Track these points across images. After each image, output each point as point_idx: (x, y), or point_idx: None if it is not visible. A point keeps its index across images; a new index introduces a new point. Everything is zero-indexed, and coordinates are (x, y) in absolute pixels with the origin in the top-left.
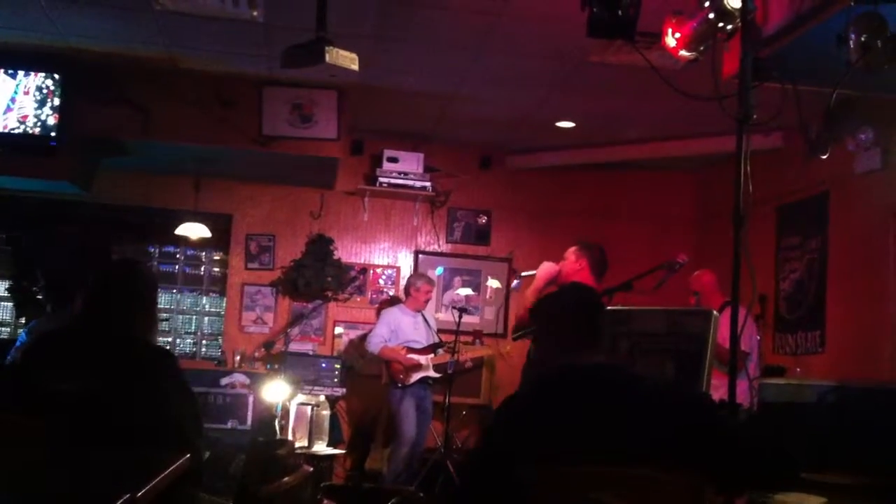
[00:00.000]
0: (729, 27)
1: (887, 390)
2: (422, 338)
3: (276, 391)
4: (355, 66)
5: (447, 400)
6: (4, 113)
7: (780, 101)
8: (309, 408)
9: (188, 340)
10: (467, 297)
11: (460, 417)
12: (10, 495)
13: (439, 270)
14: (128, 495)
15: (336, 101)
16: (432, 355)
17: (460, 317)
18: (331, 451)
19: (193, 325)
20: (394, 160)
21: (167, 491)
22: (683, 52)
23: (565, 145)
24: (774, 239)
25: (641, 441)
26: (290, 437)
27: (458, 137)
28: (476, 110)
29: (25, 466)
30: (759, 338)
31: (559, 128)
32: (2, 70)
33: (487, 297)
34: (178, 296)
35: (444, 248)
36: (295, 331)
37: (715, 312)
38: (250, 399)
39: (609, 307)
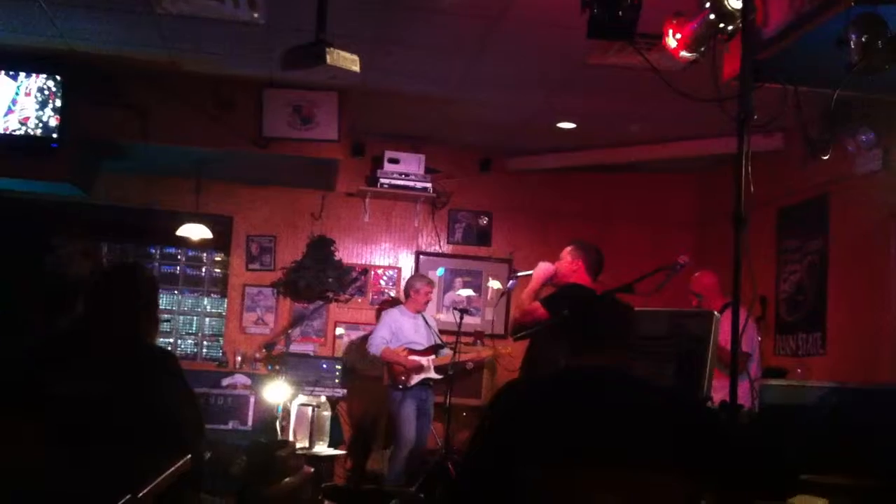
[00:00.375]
0: (729, 28)
1: (888, 392)
2: (423, 339)
3: (277, 392)
4: (356, 68)
5: (448, 401)
6: (6, 114)
7: (781, 102)
8: (310, 409)
9: (189, 341)
10: (468, 298)
11: (461, 419)
12: (11, 495)
13: (440, 271)
14: (129, 496)
15: (336, 103)
16: (433, 357)
17: (461, 318)
18: (331, 452)
19: (194, 326)
20: (394, 161)
21: (168, 491)
22: (684, 54)
23: (566, 147)
24: (775, 240)
25: (641, 446)
26: (290, 438)
27: (458, 139)
28: (477, 112)
29: (26, 467)
30: (759, 339)
31: (560, 129)
32: (3, 71)
33: (488, 298)
34: (179, 297)
35: (445, 249)
36: (296, 332)
37: (716, 314)
38: (251, 400)
39: None
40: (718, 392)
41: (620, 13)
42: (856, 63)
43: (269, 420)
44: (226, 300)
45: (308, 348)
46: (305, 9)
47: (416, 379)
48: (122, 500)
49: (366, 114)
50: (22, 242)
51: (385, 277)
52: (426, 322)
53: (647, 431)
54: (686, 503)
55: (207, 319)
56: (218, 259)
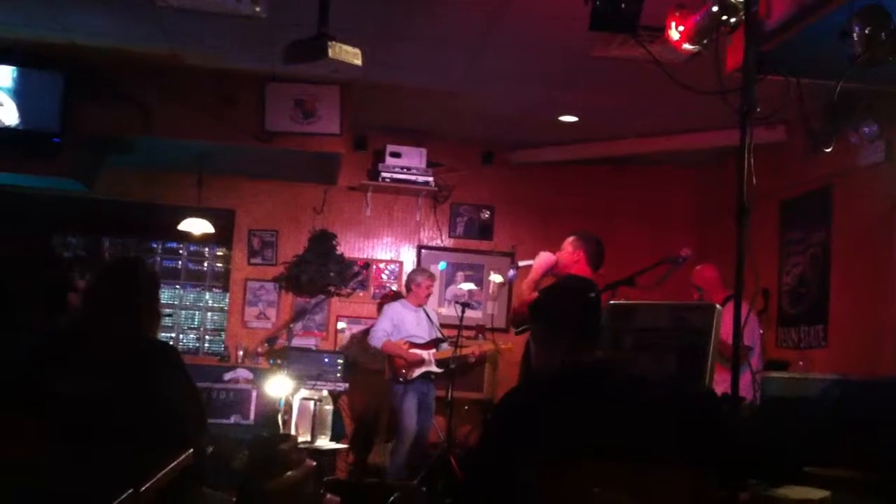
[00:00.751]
0: (732, 20)
1: (890, 384)
2: (424, 333)
3: (279, 386)
4: (358, 61)
5: (450, 395)
6: (8, 110)
7: (784, 94)
8: (312, 403)
9: (191, 336)
10: (470, 291)
11: (463, 412)
12: (13, 491)
13: (442, 265)
14: (131, 490)
15: (338, 97)
16: (434, 350)
17: (463, 311)
18: (333, 445)
19: (196, 320)
20: (396, 155)
21: (171, 486)
22: (686, 46)
23: (568, 140)
24: (777, 233)
25: (642, 439)
26: (292, 432)
27: (460, 133)
28: (479, 105)
29: (28, 463)
30: (761, 332)
31: (562, 123)
32: (5, 66)
33: (490, 291)
34: (181, 291)
35: (447, 243)
36: (298, 326)
37: (718, 307)
38: (253, 394)
39: (613, 302)
40: (720, 385)
41: (623, 6)
42: (859, 55)
43: (271, 414)
44: (228, 295)
45: (310, 342)
46: (307, 3)
47: (417, 372)
48: (125, 495)
49: (368, 107)
50: (23, 238)
51: (387, 271)
52: (427, 316)
53: (648, 425)
54: (689, 496)
55: (209, 314)
56: (220, 253)
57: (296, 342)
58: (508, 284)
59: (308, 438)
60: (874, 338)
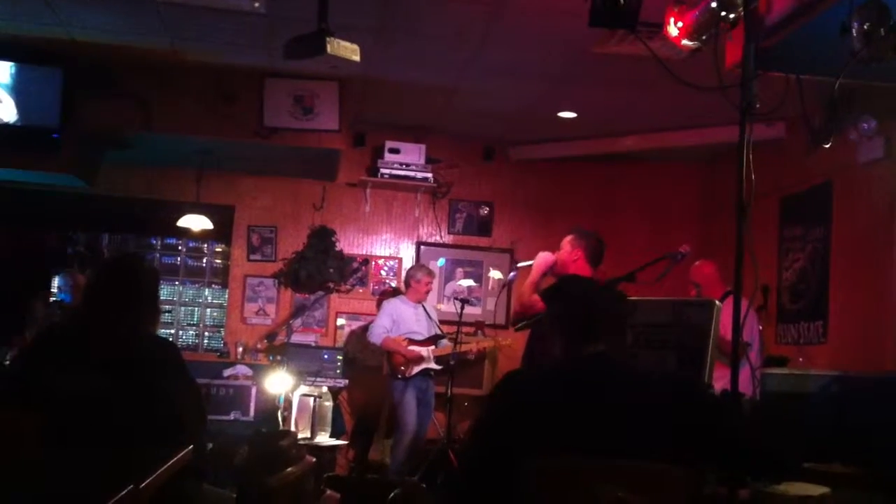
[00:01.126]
0: (731, 16)
1: (889, 380)
2: (423, 329)
3: (278, 383)
4: (356, 58)
5: (449, 391)
6: (6, 106)
7: (783, 90)
8: (311, 399)
9: (191, 332)
10: (469, 288)
11: (462, 408)
12: (13, 489)
13: (441, 262)
14: (132, 486)
15: (337, 93)
16: (433, 347)
17: (462, 308)
18: (333, 442)
19: (196, 316)
20: (395, 151)
21: (171, 482)
22: (686, 42)
23: (567, 136)
24: (777, 229)
25: (642, 434)
26: (292, 429)
27: (459, 129)
28: (478, 101)
29: (28, 460)
30: (760, 328)
31: (561, 119)
32: (4, 62)
33: (489, 288)
34: (181, 288)
35: (446, 239)
36: (297, 322)
37: (718, 303)
38: (253, 390)
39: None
40: (720, 381)
41: (622, 2)
42: (859, 51)
43: (270, 410)
44: (227, 291)
45: (309, 339)
46: None
47: (416, 369)
48: (125, 492)
49: (367, 103)
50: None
51: (386, 268)
52: (427, 312)
53: (647, 420)
54: (691, 490)
55: (209, 310)
56: (219, 250)
57: (295, 338)
58: (508, 285)
59: (308, 435)
60: (874, 334)
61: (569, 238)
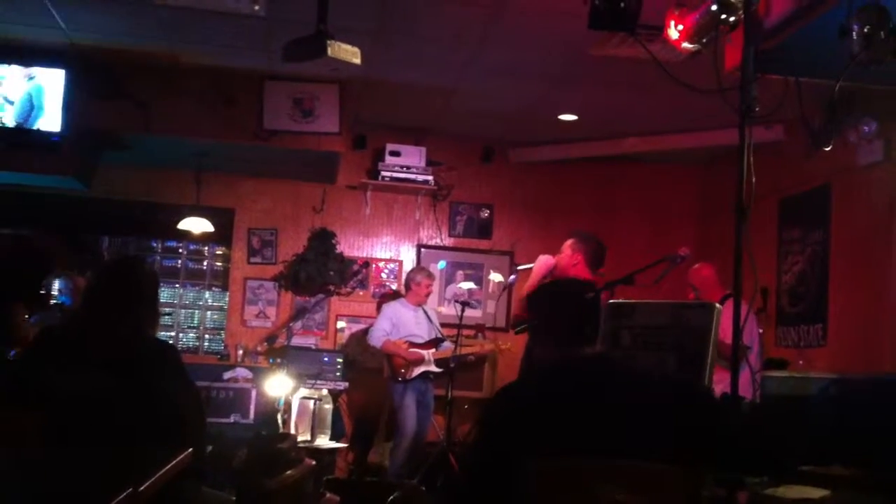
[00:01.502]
0: (731, 19)
1: (889, 383)
2: (423, 332)
3: (278, 385)
4: (357, 60)
5: (449, 394)
6: (7, 108)
7: (783, 93)
8: (311, 402)
9: (191, 335)
10: (469, 290)
11: (462, 411)
12: (12, 492)
13: (441, 264)
14: (130, 489)
15: (337, 96)
16: (434, 350)
17: (462, 311)
18: (333, 444)
19: (196, 319)
20: (396, 154)
21: (170, 484)
22: (685, 45)
23: (567, 139)
24: (776, 232)
25: (642, 435)
26: (292, 431)
27: (460, 131)
28: (478, 104)
29: (27, 462)
30: (760, 331)
31: (561, 121)
32: (5, 65)
33: (489, 290)
34: (181, 290)
35: (447, 241)
36: (297, 325)
37: (717, 305)
38: (253, 393)
39: (613, 301)
40: (719, 384)
41: (622, 4)
42: (858, 54)
43: (270, 413)
44: (227, 294)
45: (309, 341)
46: (306, 1)
47: (416, 371)
48: (124, 494)
49: (367, 106)
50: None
51: (386, 270)
52: (427, 315)
53: (646, 421)
54: (689, 491)
55: (209, 313)
56: (219, 252)
57: (295, 341)
58: (508, 288)
59: (308, 437)
60: (873, 336)
61: (569, 242)
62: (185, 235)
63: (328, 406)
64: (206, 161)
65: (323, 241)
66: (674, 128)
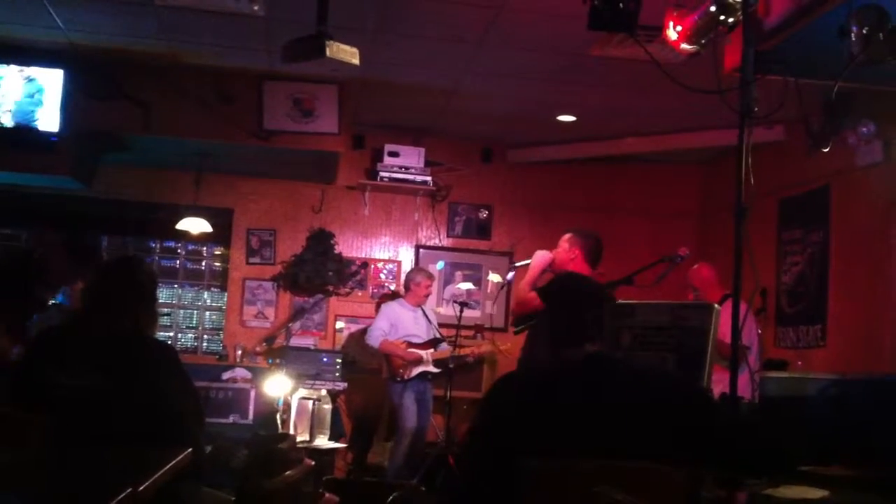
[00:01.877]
0: (730, 20)
1: (889, 383)
2: (422, 332)
3: (277, 386)
4: (356, 61)
5: (448, 394)
6: (5, 107)
7: (782, 94)
8: (310, 402)
9: (189, 335)
10: (468, 291)
11: (461, 412)
12: (11, 492)
13: (440, 265)
14: (130, 489)
15: (336, 96)
16: (432, 350)
17: (461, 311)
18: (332, 445)
19: (194, 319)
20: (394, 154)
21: (169, 485)
22: (685, 46)
23: (566, 139)
24: (776, 232)
25: (640, 434)
26: (291, 432)
27: (459, 131)
28: (477, 104)
29: (27, 462)
30: (759, 331)
31: (560, 121)
32: (3, 65)
33: (488, 291)
34: (180, 291)
35: (445, 242)
36: (296, 325)
37: (716, 306)
38: (252, 393)
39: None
40: (718, 384)
41: (621, 5)
42: (857, 55)
43: (269, 413)
44: (226, 294)
45: (308, 342)
46: (305, 1)
47: (414, 372)
48: (123, 495)
49: (366, 106)
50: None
51: (385, 271)
52: (426, 316)
53: (645, 421)
54: (689, 491)
55: (208, 313)
56: (218, 253)
57: (294, 341)
58: (507, 286)
59: (307, 438)
60: (872, 337)
61: (567, 236)
62: (184, 235)
63: (327, 406)
64: (205, 161)
65: (321, 241)
66: (673, 128)
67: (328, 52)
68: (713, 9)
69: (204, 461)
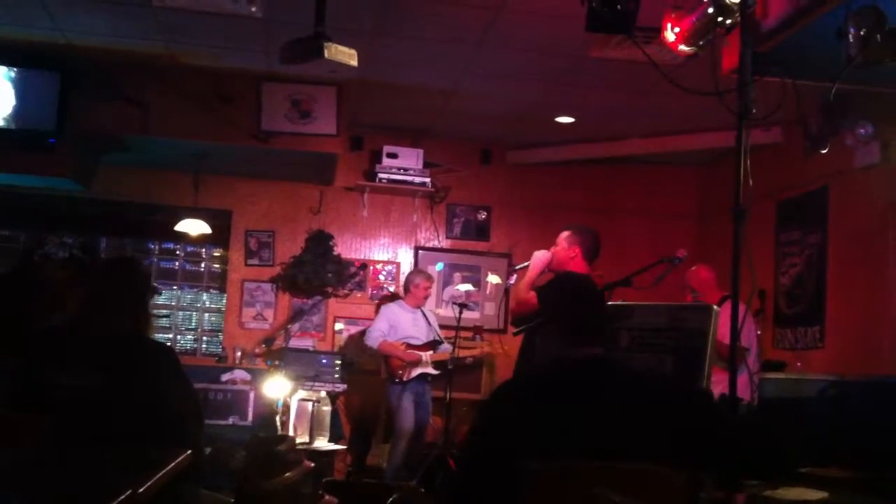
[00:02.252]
0: (728, 22)
1: (887, 384)
2: (421, 334)
3: (276, 387)
4: (354, 62)
5: (448, 396)
6: (3, 109)
7: (780, 95)
8: (309, 403)
9: (188, 337)
10: (467, 292)
11: (461, 413)
12: (10, 493)
13: (439, 266)
14: (129, 491)
15: (335, 97)
16: (431, 352)
17: (460, 312)
18: (332, 446)
19: (194, 321)
20: (393, 156)
21: (168, 487)
22: (683, 47)
23: (565, 140)
24: (774, 234)
25: (640, 436)
26: (290, 433)
27: (457, 132)
28: (476, 105)
29: (26, 462)
30: (758, 333)
31: (559, 123)
32: (1, 66)
33: (487, 292)
34: (179, 292)
35: (444, 243)
36: (295, 327)
37: (715, 307)
38: (251, 395)
39: (610, 303)
40: (718, 386)
41: (619, 6)
42: (855, 56)
43: (268, 415)
44: (225, 295)
45: (307, 343)
46: (303, 2)
47: (413, 373)
48: (122, 496)
49: (365, 107)
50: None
51: (384, 272)
52: (425, 317)
53: (645, 423)
54: (688, 493)
55: (206, 315)
56: (217, 254)
57: (293, 343)
58: (507, 290)
59: (306, 439)
60: (871, 338)
61: (565, 234)
62: (183, 237)
63: (326, 408)
64: (203, 163)
65: (320, 242)
66: (671, 130)
67: (326, 54)
68: (711, 10)
69: (203, 462)
